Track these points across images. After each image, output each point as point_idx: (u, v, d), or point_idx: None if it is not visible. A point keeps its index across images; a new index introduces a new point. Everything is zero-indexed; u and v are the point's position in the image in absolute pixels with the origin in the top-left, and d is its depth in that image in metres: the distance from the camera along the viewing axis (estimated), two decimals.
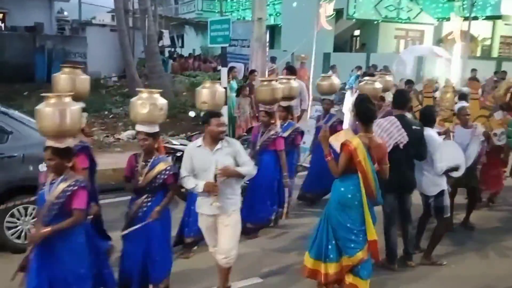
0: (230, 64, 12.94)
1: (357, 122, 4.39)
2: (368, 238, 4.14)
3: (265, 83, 5.96)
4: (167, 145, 6.77)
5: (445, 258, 5.37)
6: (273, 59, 17.24)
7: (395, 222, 5.12)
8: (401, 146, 4.87)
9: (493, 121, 6.61)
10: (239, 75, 12.18)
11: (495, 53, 22.23)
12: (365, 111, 4.24)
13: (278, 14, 25.17)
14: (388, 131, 4.90)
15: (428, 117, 5.31)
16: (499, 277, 5.09)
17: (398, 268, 5.08)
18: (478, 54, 22.64)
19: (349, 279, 4.22)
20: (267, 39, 11.06)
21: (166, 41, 21.52)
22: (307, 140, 7.62)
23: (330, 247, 4.23)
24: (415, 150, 4.97)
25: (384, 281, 4.86)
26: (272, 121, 5.87)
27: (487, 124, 6.54)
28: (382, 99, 6.94)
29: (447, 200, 5.18)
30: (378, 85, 6.82)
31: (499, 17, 19.18)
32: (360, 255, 4.14)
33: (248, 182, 5.33)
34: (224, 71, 8.34)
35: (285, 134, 6.08)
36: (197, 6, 31.68)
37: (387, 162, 4.30)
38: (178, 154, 6.76)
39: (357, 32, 23.62)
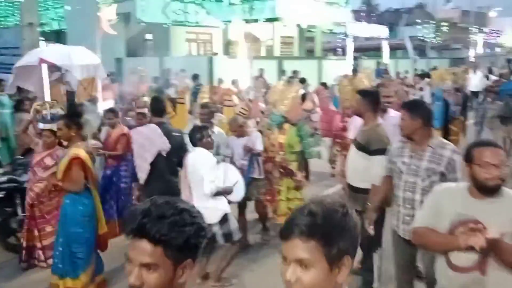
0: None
1: None
2: (100, 232, 4.41)
3: None
4: None
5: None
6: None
7: None
8: (163, 153, 4.77)
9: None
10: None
11: (277, 53, 24.33)
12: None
13: (62, 19, 23.27)
14: (150, 139, 4.76)
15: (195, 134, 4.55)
16: None
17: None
18: (264, 54, 24.52)
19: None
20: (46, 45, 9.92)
21: None
22: None
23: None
24: (177, 157, 4.83)
25: None
26: None
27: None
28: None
29: (233, 224, 4.58)
30: None
31: (276, 19, 20.93)
32: (84, 277, 4.29)
33: None
34: None
35: None
36: None
37: None
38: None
39: (149, 36, 23.34)
